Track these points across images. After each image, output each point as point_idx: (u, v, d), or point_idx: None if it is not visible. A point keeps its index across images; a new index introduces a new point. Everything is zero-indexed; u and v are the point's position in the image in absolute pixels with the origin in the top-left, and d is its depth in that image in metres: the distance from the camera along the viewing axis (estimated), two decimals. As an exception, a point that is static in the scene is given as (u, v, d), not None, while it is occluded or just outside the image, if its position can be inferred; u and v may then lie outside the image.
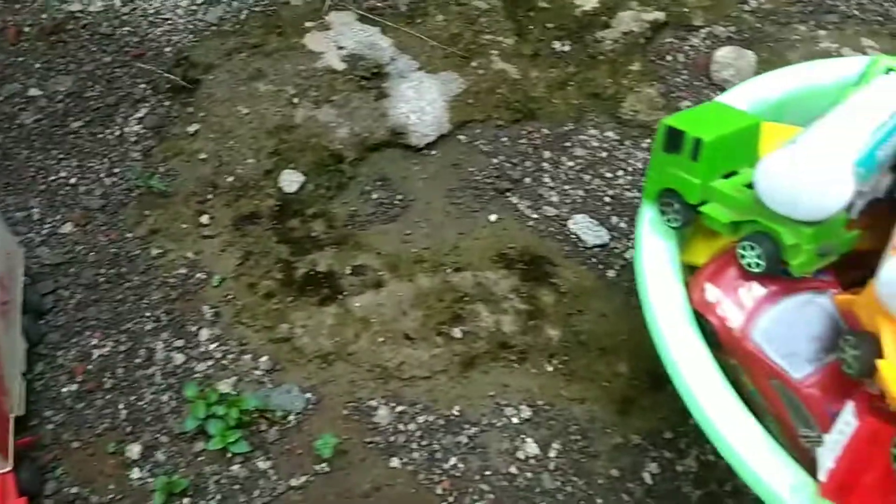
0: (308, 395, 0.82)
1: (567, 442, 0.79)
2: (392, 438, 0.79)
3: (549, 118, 1.12)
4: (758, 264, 0.61)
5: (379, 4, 1.28)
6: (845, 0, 1.31)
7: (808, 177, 0.55)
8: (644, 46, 1.22)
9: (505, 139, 1.09)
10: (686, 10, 1.28)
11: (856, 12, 1.29)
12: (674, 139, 0.66)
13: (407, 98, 1.11)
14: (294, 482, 0.76)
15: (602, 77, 1.17)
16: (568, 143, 1.08)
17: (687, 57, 1.21)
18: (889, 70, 0.76)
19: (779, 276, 0.62)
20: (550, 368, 0.84)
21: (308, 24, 1.23)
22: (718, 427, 0.57)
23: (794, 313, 0.61)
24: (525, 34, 1.24)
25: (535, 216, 1.00)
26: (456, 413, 0.81)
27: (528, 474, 0.77)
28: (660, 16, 1.26)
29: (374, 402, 0.82)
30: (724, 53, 1.15)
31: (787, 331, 0.61)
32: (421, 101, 1.11)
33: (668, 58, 1.21)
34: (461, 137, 1.09)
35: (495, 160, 1.06)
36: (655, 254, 0.68)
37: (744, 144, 0.65)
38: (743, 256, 0.62)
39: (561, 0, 1.29)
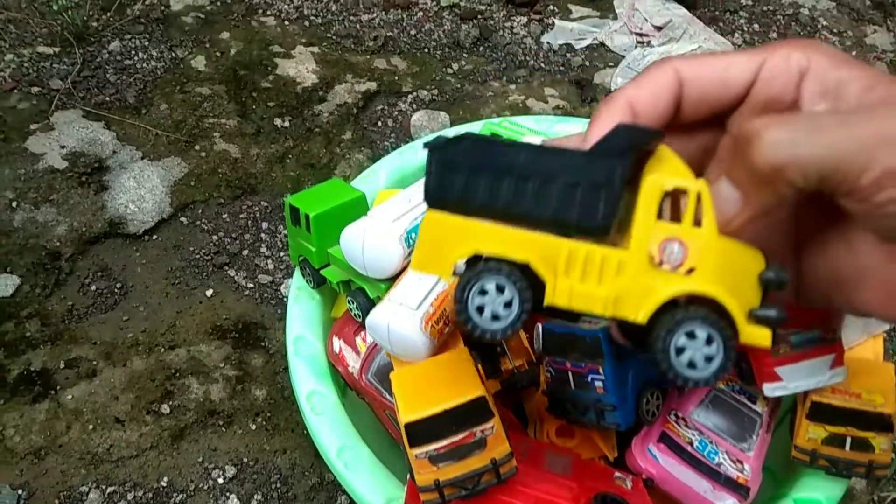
0: (20, 491, 0.86)
1: (268, 491, 0.87)
2: (101, 519, 0.84)
3: (269, 191, 1.22)
4: (358, 315, 0.73)
5: (108, 99, 1.34)
6: (534, 55, 1.52)
7: (369, 243, 0.68)
8: (357, 115, 1.36)
9: (226, 216, 1.18)
10: (396, 78, 1.44)
11: (542, 65, 1.50)
12: (295, 214, 0.77)
13: (127, 188, 1.17)
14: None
15: (317, 148, 1.29)
16: (284, 213, 1.19)
17: (395, 121, 1.36)
18: (492, 135, 0.92)
19: (385, 322, 0.74)
20: (254, 427, 0.93)
21: (33, 127, 1.27)
22: (330, 458, 0.68)
23: (395, 353, 0.73)
24: (248, 114, 1.34)
25: (251, 285, 1.09)
26: (164, 484, 0.87)
27: (230, 529, 0.84)
28: (372, 86, 1.41)
29: (84, 488, 0.86)
30: (417, 117, 1.30)
31: (390, 369, 0.72)
32: (140, 190, 1.17)
33: (380, 123, 1.35)
34: (183, 220, 1.16)
35: (215, 237, 1.14)
36: (297, 315, 0.79)
37: (351, 214, 0.76)
38: (351, 309, 0.74)
39: (283, 79, 1.41)
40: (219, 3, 1.58)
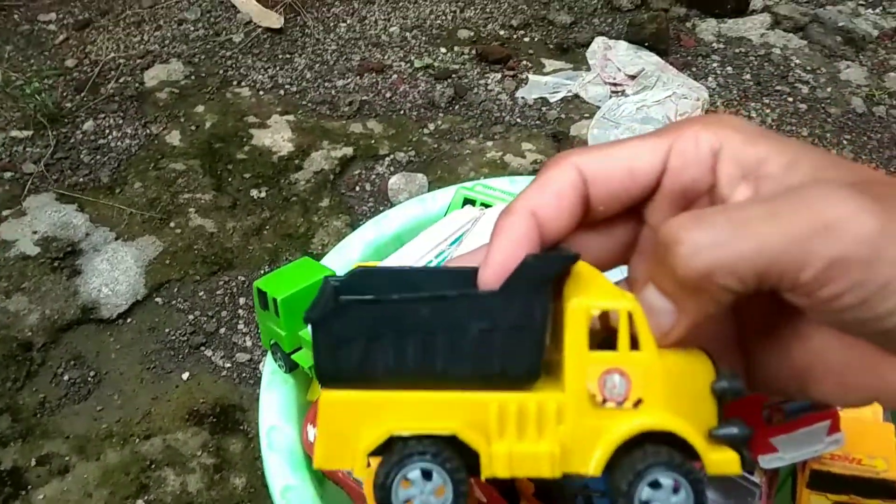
0: None
1: (250, 589, 0.83)
2: None
3: (246, 264, 1.20)
4: (334, 402, 0.70)
5: (81, 180, 1.33)
6: (509, 111, 1.52)
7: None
8: (334, 182, 1.34)
9: (202, 293, 1.15)
10: (373, 141, 1.43)
11: (518, 120, 1.50)
12: (263, 298, 0.74)
13: (100, 272, 1.15)
14: None
15: (295, 217, 1.27)
16: (262, 287, 1.16)
17: (373, 185, 1.34)
18: (466, 200, 0.90)
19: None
20: (234, 518, 0.88)
21: (5, 213, 1.25)
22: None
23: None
24: (224, 187, 1.32)
25: (228, 365, 1.05)
26: (140, 588, 0.82)
27: None
28: (348, 151, 1.40)
29: None
30: (395, 180, 1.29)
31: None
32: (114, 272, 1.15)
33: (357, 188, 1.34)
34: (158, 300, 1.14)
35: (191, 316, 1.11)
36: (270, 403, 0.75)
37: (320, 295, 0.74)
38: (325, 396, 0.71)
39: (258, 149, 1.40)
40: (193, 77, 1.58)
